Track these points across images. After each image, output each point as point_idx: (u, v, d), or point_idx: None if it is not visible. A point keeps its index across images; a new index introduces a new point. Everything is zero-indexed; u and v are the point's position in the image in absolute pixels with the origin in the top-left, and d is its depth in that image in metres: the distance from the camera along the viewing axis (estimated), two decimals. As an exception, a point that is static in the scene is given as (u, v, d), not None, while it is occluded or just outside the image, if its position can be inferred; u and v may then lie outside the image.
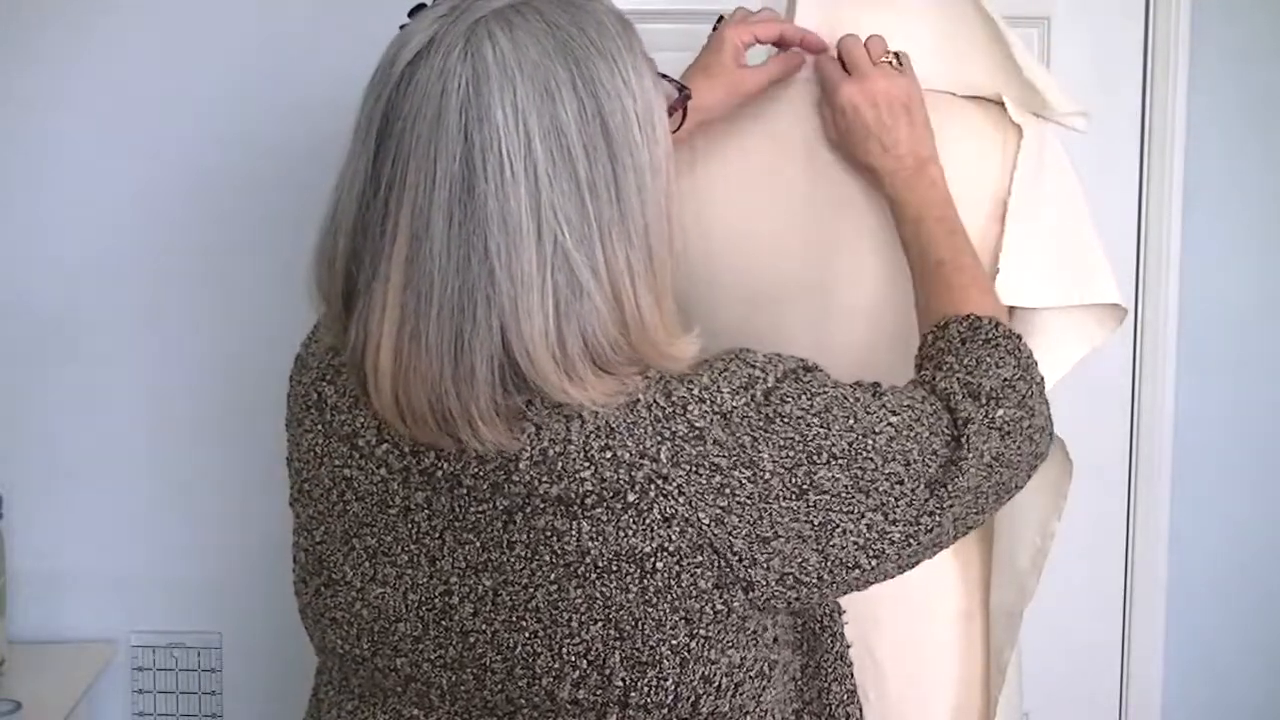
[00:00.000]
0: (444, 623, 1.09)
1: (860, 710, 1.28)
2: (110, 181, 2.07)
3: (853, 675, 1.27)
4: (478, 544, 1.06)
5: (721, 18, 1.48)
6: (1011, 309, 1.43)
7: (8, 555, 2.01)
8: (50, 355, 2.09)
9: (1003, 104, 1.42)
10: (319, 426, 1.13)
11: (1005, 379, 1.20)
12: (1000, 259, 1.39)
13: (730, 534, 1.04)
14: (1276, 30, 2.10)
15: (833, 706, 1.25)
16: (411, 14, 1.08)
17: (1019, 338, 1.26)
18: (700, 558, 1.04)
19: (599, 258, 1.02)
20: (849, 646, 1.27)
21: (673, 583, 1.04)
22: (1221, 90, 2.09)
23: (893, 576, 1.14)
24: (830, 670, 1.25)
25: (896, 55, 1.40)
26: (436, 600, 1.09)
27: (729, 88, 1.43)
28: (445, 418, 1.02)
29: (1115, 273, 1.45)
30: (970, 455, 1.14)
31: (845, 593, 1.13)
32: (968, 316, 1.25)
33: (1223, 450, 2.16)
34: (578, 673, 1.06)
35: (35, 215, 2.07)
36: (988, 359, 1.21)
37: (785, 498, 1.05)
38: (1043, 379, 1.25)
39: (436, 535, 1.08)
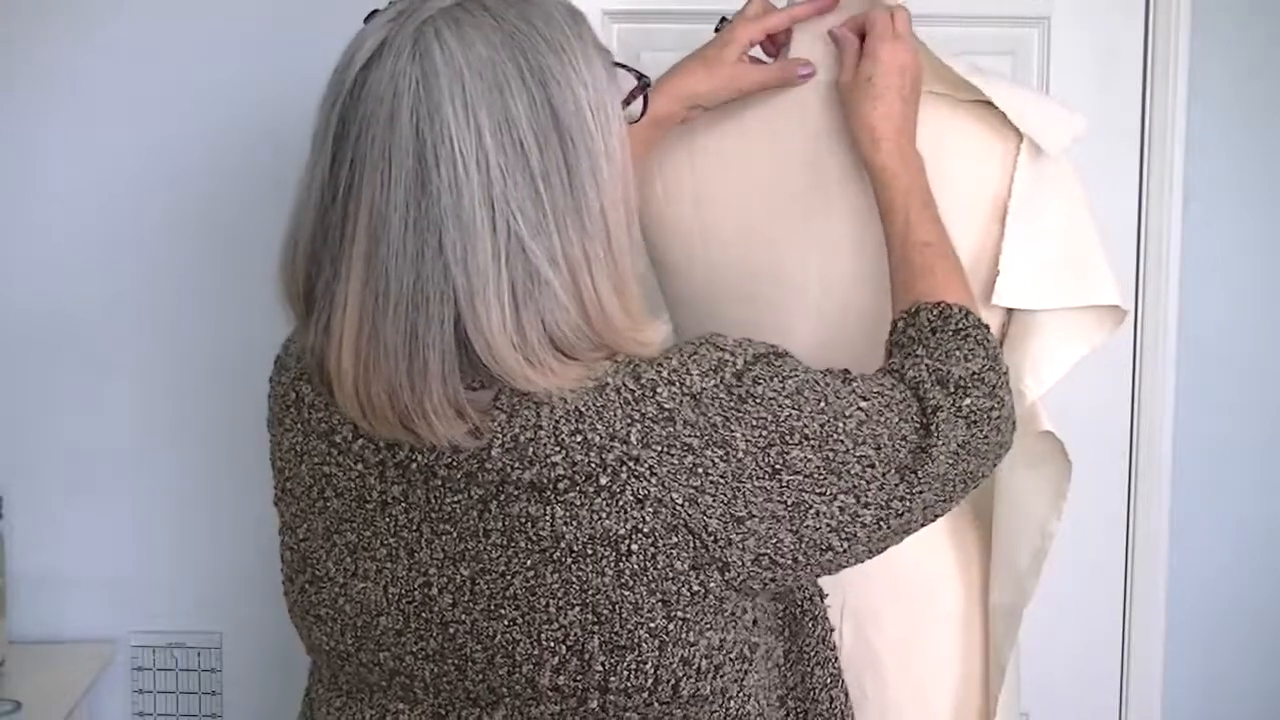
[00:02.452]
0: (424, 614, 1.10)
1: (845, 694, 1.29)
2: (109, 182, 2.07)
3: (837, 659, 1.29)
4: (454, 534, 1.08)
5: (724, 19, 1.48)
6: (1010, 310, 1.43)
7: (8, 555, 2.01)
8: (50, 355, 2.09)
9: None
10: (298, 425, 1.15)
11: (974, 371, 1.21)
12: (1001, 260, 1.39)
13: (704, 514, 1.05)
14: (1276, 31, 2.10)
15: (816, 690, 1.26)
16: (367, 19, 1.10)
17: (987, 328, 1.27)
18: (675, 539, 1.05)
19: (556, 246, 1.03)
20: (831, 630, 1.28)
21: (649, 564, 1.05)
22: (1221, 90, 2.09)
23: (862, 560, 1.15)
24: (813, 654, 1.26)
25: None
26: (416, 592, 1.10)
27: (724, 80, 1.44)
28: (403, 413, 1.04)
29: (1115, 273, 1.45)
30: (940, 443, 1.15)
31: (818, 575, 1.15)
32: (939, 304, 1.26)
33: (1223, 450, 2.16)
34: (557, 659, 1.07)
35: (35, 216, 2.07)
36: (957, 351, 1.23)
37: (759, 477, 1.07)
38: (1008, 369, 1.26)
39: (414, 527, 1.09)
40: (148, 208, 2.07)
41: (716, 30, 1.48)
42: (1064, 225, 1.42)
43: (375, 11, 1.10)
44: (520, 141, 1.02)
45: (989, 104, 1.41)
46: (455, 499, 1.07)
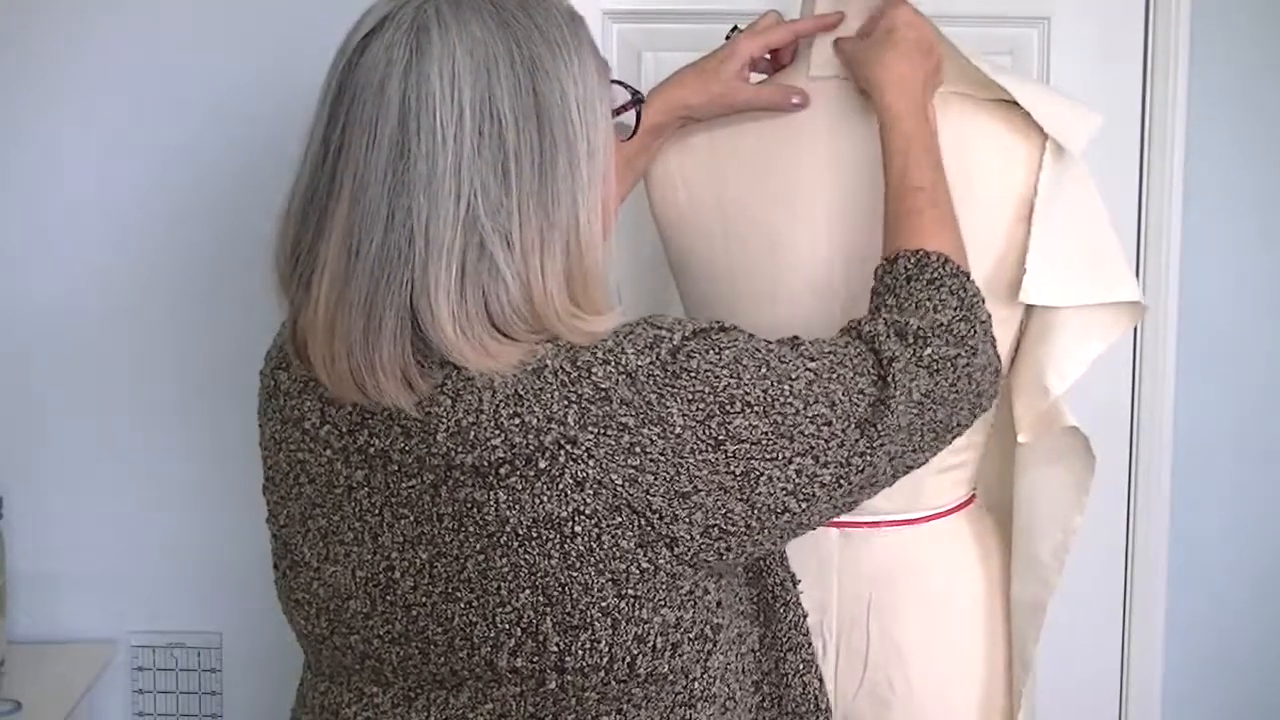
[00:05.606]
0: (389, 597, 1.12)
1: (819, 680, 1.30)
2: (111, 182, 2.07)
3: (810, 646, 1.29)
4: (412, 518, 1.10)
5: (735, 27, 1.48)
6: (1030, 308, 1.43)
7: (8, 555, 2.01)
8: (50, 356, 2.09)
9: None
10: (276, 413, 1.17)
11: (940, 321, 1.21)
12: (1027, 259, 1.39)
13: (647, 492, 1.06)
14: (1276, 30, 2.10)
15: (789, 676, 1.27)
16: None
17: (966, 275, 1.27)
18: (619, 518, 1.06)
19: (512, 226, 1.05)
20: (805, 617, 1.29)
21: (594, 545, 1.06)
22: (1221, 90, 2.09)
23: (827, 518, 1.15)
24: (785, 640, 1.27)
25: None
26: (380, 576, 1.12)
27: (718, 95, 1.45)
28: (355, 370, 1.06)
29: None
30: (898, 393, 1.15)
31: (782, 539, 1.15)
32: (917, 252, 1.26)
33: (1223, 450, 2.16)
34: (513, 640, 1.09)
35: (35, 216, 2.08)
36: (927, 301, 1.23)
37: (700, 450, 1.07)
38: (989, 317, 1.26)
39: (376, 511, 1.11)
40: (148, 208, 2.07)
41: (727, 38, 1.48)
42: (1085, 223, 1.43)
43: None
44: (499, 120, 1.05)
45: (1011, 103, 1.42)
46: (410, 483, 1.09)
